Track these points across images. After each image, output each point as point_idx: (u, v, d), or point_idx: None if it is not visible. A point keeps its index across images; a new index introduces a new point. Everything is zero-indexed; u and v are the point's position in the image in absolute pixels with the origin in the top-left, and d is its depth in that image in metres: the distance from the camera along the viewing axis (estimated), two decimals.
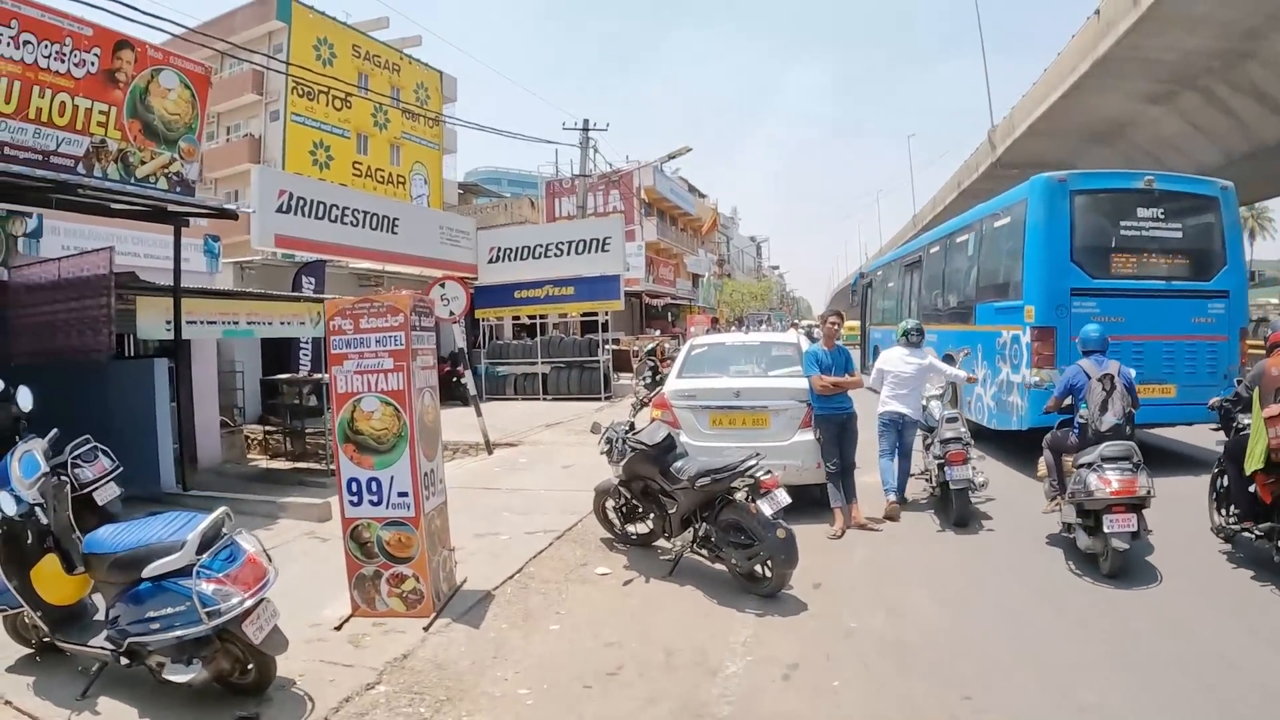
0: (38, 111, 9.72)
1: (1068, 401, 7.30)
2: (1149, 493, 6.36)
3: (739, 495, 6.48)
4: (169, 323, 11.29)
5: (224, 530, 4.65)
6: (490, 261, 24.00)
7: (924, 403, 9.07)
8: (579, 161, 26.38)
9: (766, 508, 6.24)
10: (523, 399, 22.88)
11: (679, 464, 6.87)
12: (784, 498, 6.36)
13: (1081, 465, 6.68)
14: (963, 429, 8.53)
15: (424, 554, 5.79)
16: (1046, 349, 10.06)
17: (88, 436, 8.32)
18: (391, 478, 5.77)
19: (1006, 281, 11.63)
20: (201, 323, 11.74)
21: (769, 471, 6.44)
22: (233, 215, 12.17)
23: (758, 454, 6.50)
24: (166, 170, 11.27)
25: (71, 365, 10.99)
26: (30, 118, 9.67)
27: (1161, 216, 10.75)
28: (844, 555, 7.55)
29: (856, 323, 25.57)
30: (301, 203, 18.36)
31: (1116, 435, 6.76)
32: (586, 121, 26.23)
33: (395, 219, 21.21)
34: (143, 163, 10.93)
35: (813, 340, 10.60)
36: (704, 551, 6.78)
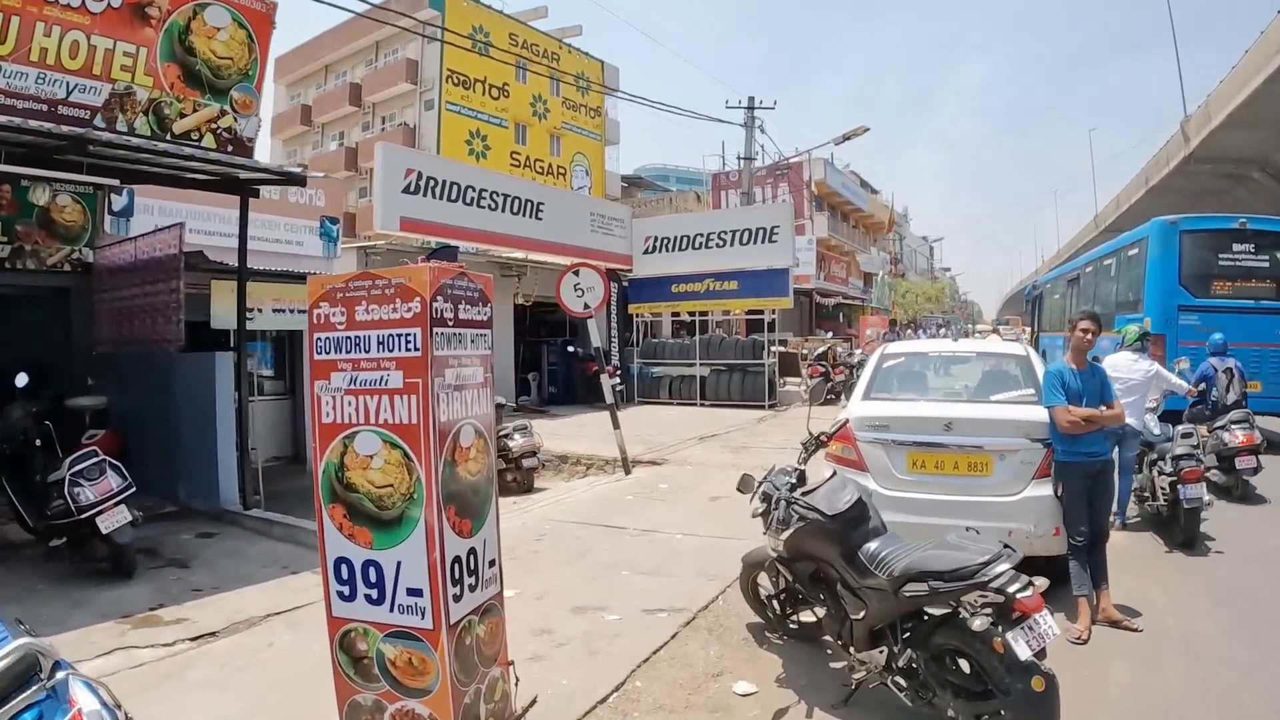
0: (42, 53, 7.73)
1: (1201, 387, 9.95)
2: (1264, 441, 9.49)
3: (976, 621, 3.69)
4: (257, 309, 9.64)
5: (37, 674, 2.36)
6: (646, 252, 21.82)
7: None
8: (744, 144, 23.91)
9: (1022, 645, 3.56)
10: (678, 403, 20.62)
11: (874, 547, 4.20)
12: (1049, 627, 3.64)
13: (1216, 429, 9.53)
14: (1195, 443, 8.06)
15: (447, 685, 3.45)
16: (1158, 350, 11.76)
17: (94, 449, 6.78)
18: (398, 564, 3.48)
19: (1135, 298, 14.31)
20: (290, 310, 9.99)
21: (1029, 584, 3.67)
22: (300, 181, 10.09)
23: (1007, 548, 3.80)
24: (214, 125, 8.96)
25: (146, 356, 9.67)
26: (33, 60, 7.69)
27: (1252, 250, 13.33)
28: (1098, 673, 4.81)
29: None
30: (431, 183, 16.59)
31: (1236, 407, 9.72)
32: (752, 100, 23.71)
33: (539, 204, 19.25)
34: (181, 115, 8.71)
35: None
36: (902, 683, 4.07)
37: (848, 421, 6.83)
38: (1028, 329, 28.29)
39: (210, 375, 9.04)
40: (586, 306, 11.67)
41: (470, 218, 17.34)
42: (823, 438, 6.48)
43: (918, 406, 6.80)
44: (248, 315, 9.34)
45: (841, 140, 22.37)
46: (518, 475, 11.09)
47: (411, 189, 16.20)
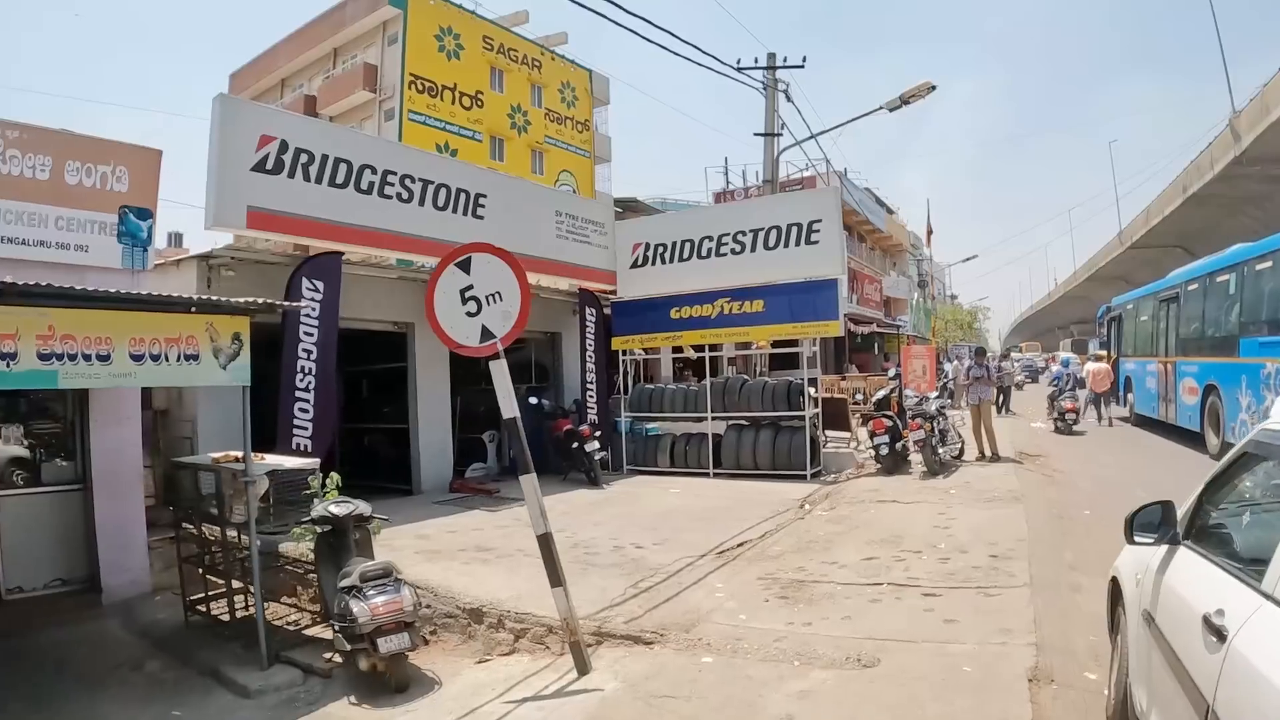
0: None
1: None
2: None
3: None
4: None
5: None
6: (635, 265, 15.98)
7: None
8: (764, 114, 17.99)
9: None
10: (682, 474, 14.74)
11: None
12: None
13: None
14: None
15: None
16: None
17: None
18: None
19: (1274, 319, 12.56)
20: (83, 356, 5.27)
21: None
22: None
23: None
24: None
25: None
26: None
27: None
28: None
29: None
30: (303, 158, 10.95)
31: None
32: (772, 58, 17.80)
33: (479, 195, 13.52)
34: None
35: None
36: None
37: None
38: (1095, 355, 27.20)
39: None
40: (488, 335, 5.96)
41: (366, 211, 11.70)
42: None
43: None
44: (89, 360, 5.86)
45: (899, 104, 16.54)
46: (377, 664, 5.83)
47: (269, 166, 10.56)
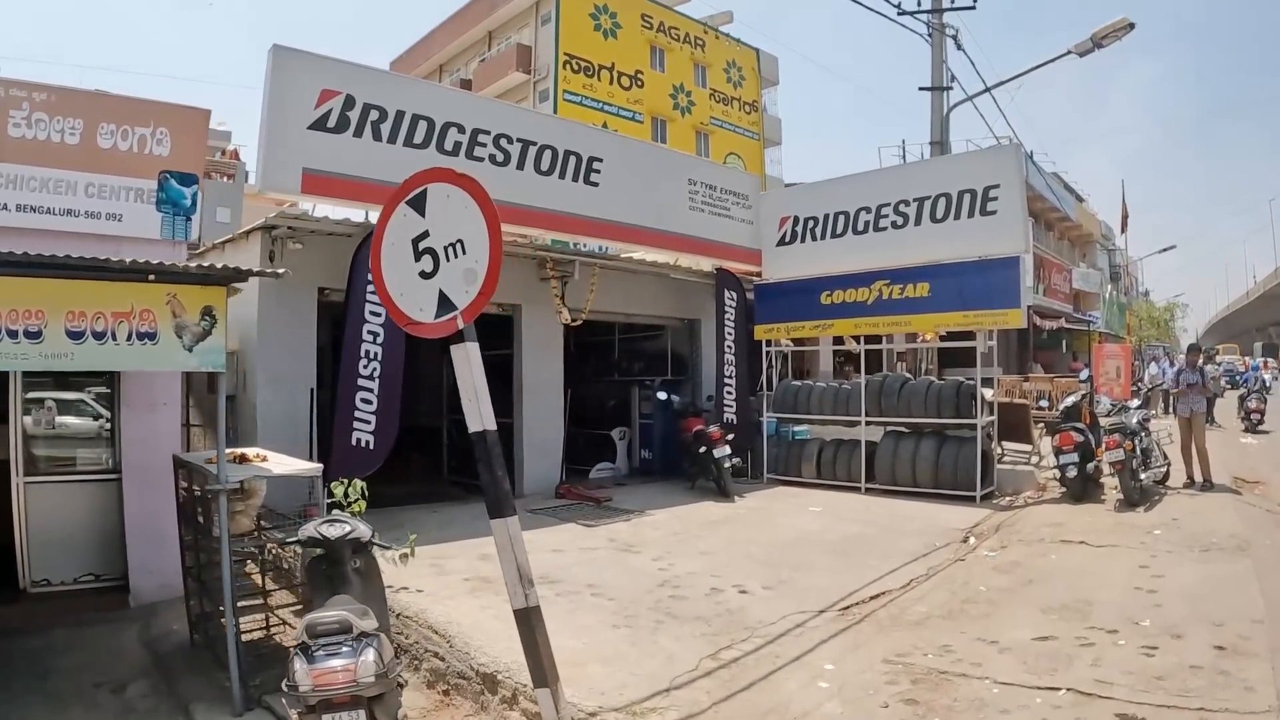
0: None
1: None
2: None
3: None
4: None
5: None
6: (783, 242, 13.90)
7: None
8: (930, 65, 15.36)
9: None
10: (828, 486, 12.66)
11: None
12: None
13: None
14: None
15: None
16: None
17: None
18: None
19: None
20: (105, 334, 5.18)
21: None
22: None
23: None
24: None
25: None
26: None
27: None
28: None
29: None
30: (372, 115, 9.61)
31: None
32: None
33: (593, 159, 11.80)
34: None
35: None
36: None
37: None
38: None
39: None
40: (446, 307, 4.16)
41: None
42: None
43: None
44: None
45: (1090, 47, 13.70)
46: None
47: (330, 124, 9.27)
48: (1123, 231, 44.11)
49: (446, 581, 7.35)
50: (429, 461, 14.98)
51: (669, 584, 7.41)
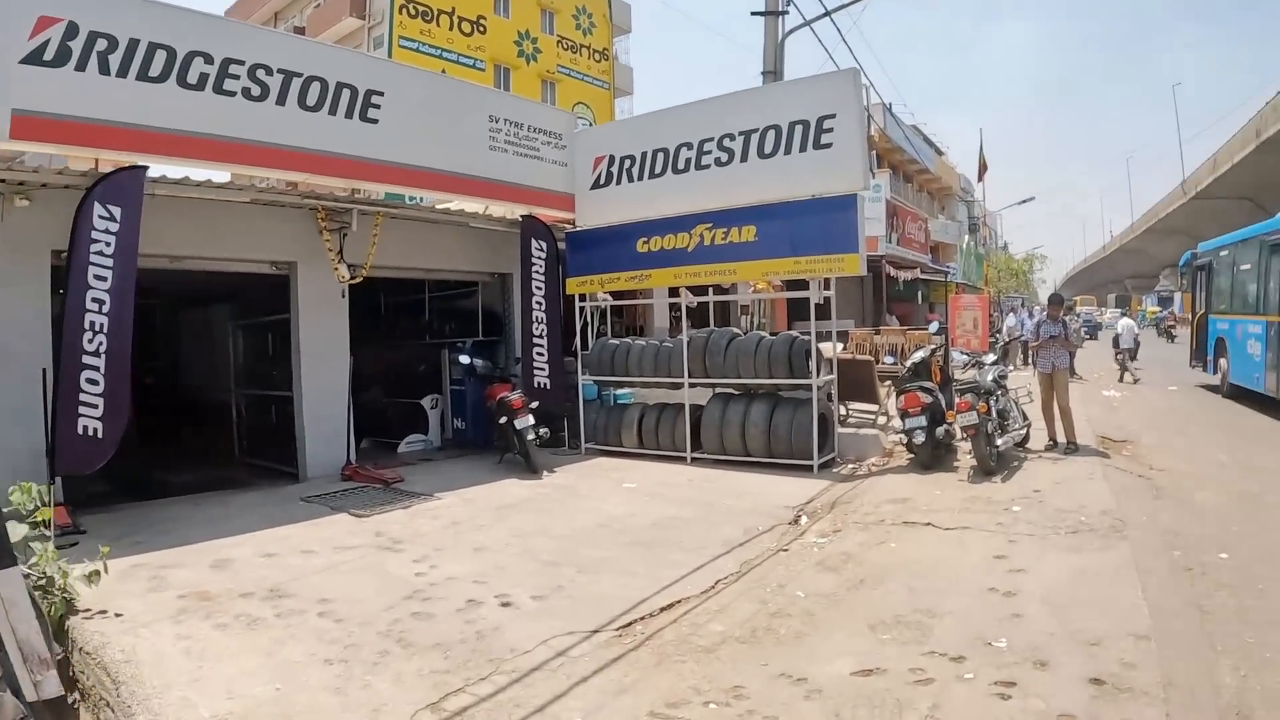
0: None
1: None
2: None
3: None
4: None
5: None
6: (596, 185, 12.28)
7: None
8: None
9: None
10: (652, 456, 11.26)
11: None
12: None
13: None
14: None
15: None
16: None
17: None
18: None
19: None
20: None
21: None
22: None
23: None
24: None
25: None
26: None
27: None
28: None
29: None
30: (99, 46, 7.93)
31: None
32: None
33: (370, 92, 10.13)
34: None
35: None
36: None
37: None
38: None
39: None
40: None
41: (193, 112, 8.60)
42: None
43: None
44: None
45: None
46: None
47: (48, 56, 7.60)
48: (980, 181, 43.84)
49: (156, 601, 5.73)
50: (220, 442, 13.31)
51: (419, 595, 5.86)
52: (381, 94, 10.20)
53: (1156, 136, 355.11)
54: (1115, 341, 22.08)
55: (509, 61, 33.87)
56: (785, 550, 7.00)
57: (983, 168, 40.69)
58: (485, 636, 5.10)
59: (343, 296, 10.83)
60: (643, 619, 5.42)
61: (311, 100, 9.54)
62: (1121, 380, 20.37)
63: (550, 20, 36.04)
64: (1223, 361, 17.27)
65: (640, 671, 4.61)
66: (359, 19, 32.56)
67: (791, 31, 14.42)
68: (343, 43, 32.76)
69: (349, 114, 9.93)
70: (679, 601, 5.72)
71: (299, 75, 9.42)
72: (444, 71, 29.04)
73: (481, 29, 32.54)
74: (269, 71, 9.15)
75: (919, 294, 34.40)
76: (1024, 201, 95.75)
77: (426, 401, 13.19)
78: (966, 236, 51.90)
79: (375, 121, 10.14)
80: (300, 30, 34.79)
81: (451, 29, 31.56)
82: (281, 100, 9.30)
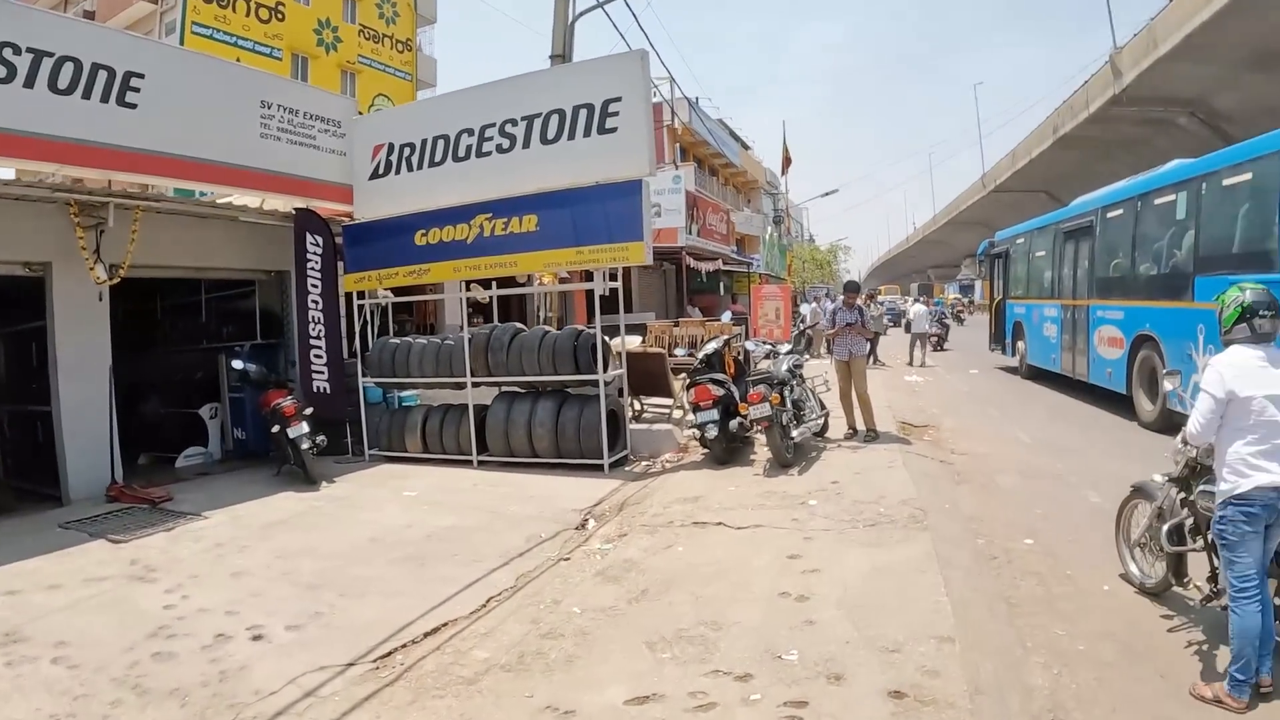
0: None
1: None
2: None
3: None
4: None
5: None
6: (375, 174, 11.53)
7: None
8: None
9: None
10: (438, 460, 10.75)
11: None
12: None
13: None
14: None
15: None
16: None
17: None
18: None
19: (1249, 250, 9.62)
20: None
21: None
22: None
23: None
24: None
25: None
26: None
27: None
28: None
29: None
30: None
31: None
32: None
33: (130, 74, 9.27)
34: None
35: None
36: None
37: None
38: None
39: None
40: None
41: None
42: None
43: None
44: None
45: None
46: None
47: None
48: (784, 174, 44.61)
49: None
50: None
51: (164, 632, 5.21)
52: (142, 76, 9.32)
53: (957, 132, 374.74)
54: (907, 326, 23.24)
55: (308, 50, 32.46)
56: (566, 559, 6.63)
57: (786, 161, 41.38)
58: (229, 677, 4.56)
59: (101, 300, 9.79)
60: (404, 646, 4.99)
61: (64, 83, 8.64)
62: (911, 363, 21.33)
63: (352, 8, 34.72)
64: (1020, 344, 18.24)
65: (393, 713, 4.16)
66: (151, 3, 30.09)
67: (583, 14, 14.02)
68: (134, 28, 30.44)
69: (105, 98, 9.04)
70: (445, 625, 5.31)
71: (50, 55, 8.51)
72: (239, 60, 27.59)
73: (280, 16, 31.01)
74: (16, 50, 8.23)
75: (722, 285, 34.70)
76: (827, 194, 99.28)
77: (205, 411, 12.16)
78: (771, 228, 52.97)
79: (134, 106, 9.27)
80: (90, 15, 31.93)
81: (249, 15, 30.05)
82: (30, 83, 8.40)
